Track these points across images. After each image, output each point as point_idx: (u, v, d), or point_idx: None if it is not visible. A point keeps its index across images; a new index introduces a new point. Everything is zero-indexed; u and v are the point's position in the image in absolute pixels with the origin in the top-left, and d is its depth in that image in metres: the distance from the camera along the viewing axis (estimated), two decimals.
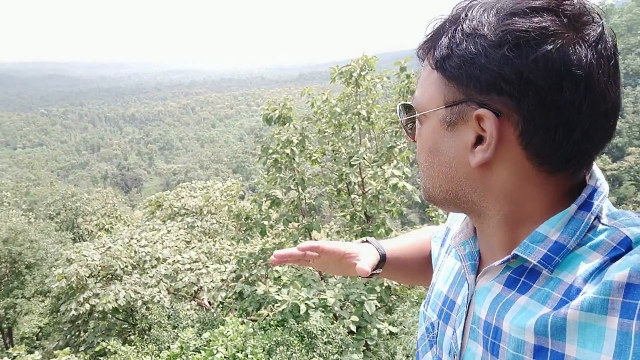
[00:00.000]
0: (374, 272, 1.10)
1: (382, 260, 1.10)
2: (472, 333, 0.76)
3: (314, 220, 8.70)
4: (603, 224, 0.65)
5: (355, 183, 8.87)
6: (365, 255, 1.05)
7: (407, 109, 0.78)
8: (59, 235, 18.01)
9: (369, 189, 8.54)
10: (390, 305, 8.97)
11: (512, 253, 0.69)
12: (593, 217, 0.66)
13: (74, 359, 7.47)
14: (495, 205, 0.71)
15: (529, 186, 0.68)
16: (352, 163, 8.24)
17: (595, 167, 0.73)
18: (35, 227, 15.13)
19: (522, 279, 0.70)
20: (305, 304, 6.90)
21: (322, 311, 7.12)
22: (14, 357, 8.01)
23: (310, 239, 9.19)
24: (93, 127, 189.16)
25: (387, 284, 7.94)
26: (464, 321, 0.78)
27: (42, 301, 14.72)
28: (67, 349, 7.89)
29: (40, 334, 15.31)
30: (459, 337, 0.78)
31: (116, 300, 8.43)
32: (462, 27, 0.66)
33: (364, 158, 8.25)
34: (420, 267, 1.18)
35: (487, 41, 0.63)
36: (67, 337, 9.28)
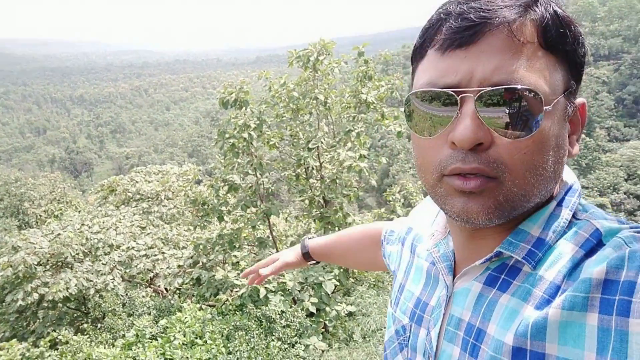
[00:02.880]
0: (310, 262, 1.40)
1: (307, 254, 1.38)
2: (447, 334, 0.74)
3: (273, 205, 8.68)
4: (578, 219, 0.66)
5: (313, 167, 8.90)
6: (283, 257, 1.39)
7: (526, 96, 0.59)
8: (2, 222, 17.11)
9: (327, 173, 8.59)
10: (349, 287, 9.15)
11: (495, 250, 0.67)
12: (571, 214, 0.66)
13: (22, 349, 7.20)
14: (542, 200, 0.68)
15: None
16: (310, 147, 8.25)
17: (567, 167, 0.73)
18: None
19: (503, 277, 0.68)
20: (265, 287, 6.92)
21: (282, 295, 7.17)
22: None
23: (269, 224, 9.19)
24: (38, 109, 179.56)
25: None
26: (439, 323, 0.75)
27: None
28: (14, 340, 7.59)
29: None
30: (434, 338, 0.76)
31: (67, 288, 8.15)
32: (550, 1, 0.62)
33: (322, 142, 8.28)
34: (360, 255, 1.33)
35: (571, 18, 0.62)
36: (14, 328, 8.92)
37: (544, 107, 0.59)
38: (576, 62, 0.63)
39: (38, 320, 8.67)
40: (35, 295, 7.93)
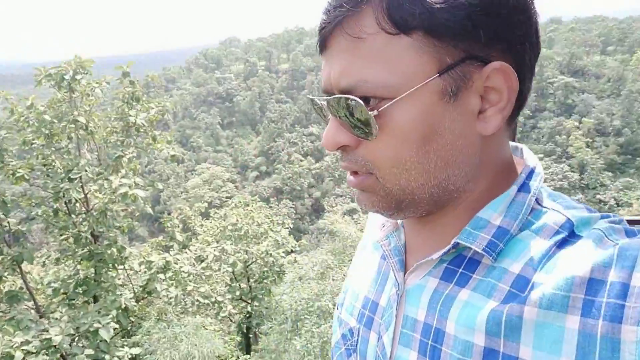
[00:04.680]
0: None
1: None
2: (402, 338, 0.66)
3: (25, 249, 7.31)
4: (543, 207, 0.61)
5: (77, 200, 7.85)
6: None
7: (357, 102, 0.56)
8: None
9: (95, 204, 7.69)
10: (129, 327, 8.32)
11: (452, 242, 0.61)
12: (534, 200, 0.61)
13: None
14: (477, 185, 0.63)
15: (500, 154, 0.64)
16: (71, 177, 7.26)
17: (525, 147, 0.69)
18: None
19: (460, 270, 0.62)
20: (22, 350, 5.73)
21: (46, 354, 6.06)
22: None
23: (22, 272, 7.70)
24: None
25: (124, 305, 7.32)
26: (393, 325, 0.67)
27: None
28: None
29: None
30: (387, 344, 0.67)
31: None
32: None
33: (86, 170, 7.38)
34: None
35: None
36: None
37: (388, 102, 0.55)
38: (457, 32, 0.53)
39: None
40: None
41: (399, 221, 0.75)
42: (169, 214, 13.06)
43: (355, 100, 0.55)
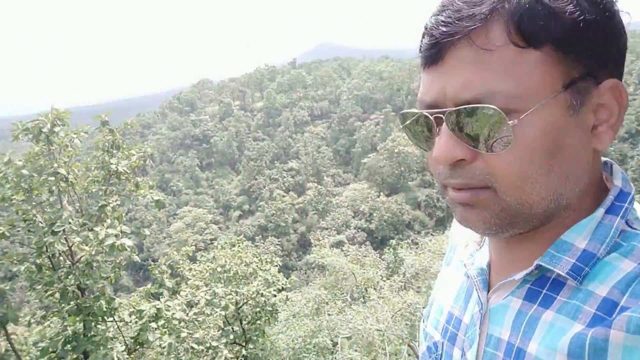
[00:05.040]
0: None
1: None
2: (486, 356, 0.67)
3: (9, 309, 7.03)
4: (634, 229, 0.60)
5: (61, 253, 7.64)
6: None
7: (491, 113, 0.55)
8: None
9: (81, 257, 7.50)
10: None
11: (535, 264, 0.62)
12: (623, 222, 0.60)
13: None
14: (580, 202, 0.62)
15: (597, 172, 0.65)
16: (54, 230, 7.08)
17: (615, 164, 0.69)
18: None
19: (544, 291, 0.62)
20: None
21: None
22: None
23: (7, 334, 7.38)
24: None
25: (117, 359, 7.05)
26: (476, 343, 0.69)
27: None
28: None
29: None
30: None
31: None
32: None
33: (69, 223, 7.22)
34: None
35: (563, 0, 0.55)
36: None
37: (521, 115, 0.55)
38: (582, 48, 0.56)
39: None
40: None
41: (484, 240, 0.77)
42: (154, 260, 12.81)
43: (494, 109, 0.55)
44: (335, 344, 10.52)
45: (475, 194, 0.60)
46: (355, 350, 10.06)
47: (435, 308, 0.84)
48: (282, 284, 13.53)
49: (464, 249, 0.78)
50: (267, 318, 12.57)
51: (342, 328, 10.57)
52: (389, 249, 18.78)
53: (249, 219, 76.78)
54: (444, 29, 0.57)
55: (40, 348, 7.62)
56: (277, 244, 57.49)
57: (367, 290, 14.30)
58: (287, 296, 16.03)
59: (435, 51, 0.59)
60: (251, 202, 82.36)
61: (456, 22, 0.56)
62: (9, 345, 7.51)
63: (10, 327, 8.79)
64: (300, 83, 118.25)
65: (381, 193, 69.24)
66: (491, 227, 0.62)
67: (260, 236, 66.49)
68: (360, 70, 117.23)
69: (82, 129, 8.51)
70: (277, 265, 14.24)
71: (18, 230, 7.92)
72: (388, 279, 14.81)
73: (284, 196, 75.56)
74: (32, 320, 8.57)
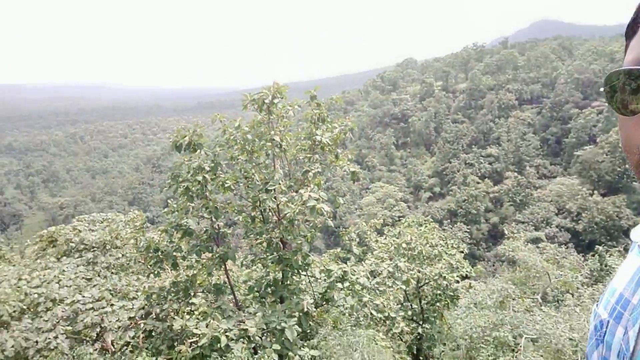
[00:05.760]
0: None
1: None
2: None
3: (230, 249, 8.46)
4: None
5: (270, 209, 8.83)
6: None
7: None
8: None
9: (285, 214, 8.56)
10: (308, 331, 8.95)
11: None
12: None
13: None
14: None
15: None
16: (268, 189, 8.21)
17: None
18: None
19: None
20: (225, 335, 6.63)
21: (243, 342, 6.89)
22: None
23: (225, 269, 8.92)
24: None
25: (306, 309, 7.93)
26: (639, 323, 0.69)
27: None
28: None
29: None
30: (631, 338, 0.69)
31: (2, 351, 7.41)
32: None
33: (279, 184, 8.27)
34: None
35: None
36: None
37: None
38: None
39: None
40: None
41: None
42: (345, 228, 13.72)
43: None
44: (517, 343, 9.86)
45: None
46: (541, 356, 9.27)
47: (609, 290, 0.84)
48: (467, 271, 13.14)
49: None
50: (446, 302, 12.45)
51: (527, 327, 9.83)
52: (594, 255, 16.45)
53: (438, 202, 75.61)
54: None
55: (249, 286, 9.05)
56: (466, 231, 55.37)
57: (562, 294, 12.93)
58: (470, 284, 15.53)
59: None
60: (443, 185, 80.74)
61: None
62: (226, 278, 9.05)
63: (229, 264, 10.59)
64: (511, 64, 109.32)
65: (595, 191, 60.52)
66: None
67: (449, 220, 64.95)
68: (585, 51, 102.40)
69: (296, 102, 9.55)
70: (462, 252, 13.83)
71: (239, 186, 9.42)
72: (590, 286, 13.09)
73: (478, 182, 72.04)
74: (244, 263, 10.19)
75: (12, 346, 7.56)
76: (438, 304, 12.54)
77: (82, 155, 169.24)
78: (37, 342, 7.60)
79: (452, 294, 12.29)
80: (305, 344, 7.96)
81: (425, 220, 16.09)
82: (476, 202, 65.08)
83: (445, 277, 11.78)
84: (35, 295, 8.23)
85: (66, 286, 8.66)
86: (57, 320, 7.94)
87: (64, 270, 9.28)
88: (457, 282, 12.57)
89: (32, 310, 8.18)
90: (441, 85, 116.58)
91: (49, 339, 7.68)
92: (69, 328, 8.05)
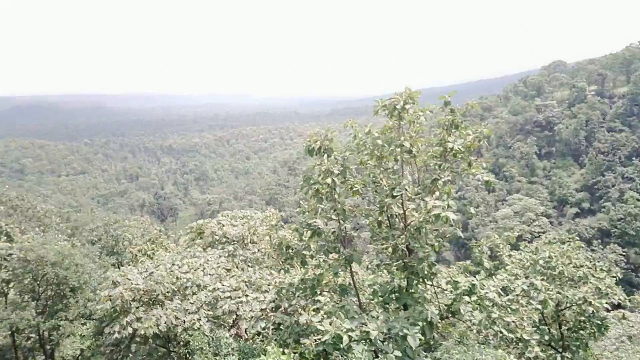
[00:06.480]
0: None
1: None
2: None
3: (355, 252, 8.63)
4: None
5: (396, 215, 8.80)
6: None
7: None
8: (102, 260, 18.50)
9: (411, 221, 8.46)
10: (432, 342, 8.71)
11: None
12: None
13: None
14: None
15: None
16: (394, 194, 8.20)
17: None
18: (80, 251, 15.57)
19: None
20: (348, 335, 6.77)
21: (365, 344, 6.97)
22: None
23: (351, 271, 9.11)
24: (133, 157, 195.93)
25: (430, 319, 7.73)
26: None
27: (84, 324, 14.96)
28: None
29: (80, 357, 15.50)
30: None
31: (157, 325, 8.51)
32: None
33: (406, 189, 8.21)
34: None
35: None
36: None
37: None
38: None
39: (130, 354, 9.07)
40: (130, 330, 8.35)
41: None
42: (477, 240, 13.06)
43: None
44: None
45: None
46: None
47: None
48: (619, 299, 11.59)
49: None
50: (593, 331, 11.14)
51: None
52: None
53: (587, 219, 67.82)
54: None
55: (373, 290, 9.12)
56: (621, 254, 48.83)
57: None
58: (624, 314, 13.67)
59: None
60: (593, 201, 72.27)
61: None
62: (351, 280, 9.24)
63: (354, 267, 10.79)
64: None
65: None
66: None
67: (600, 241, 57.86)
68: None
69: (428, 108, 9.39)
70: (615, 277, 12.24)
71: (367, 190, 9.56)
72: None
73: (638, 200, 63.00)
74: (369, 267, 10.31)
75: (165, 322, 8.64)
76: (582, 331, 11.26)
77: (227, 157, 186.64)
78: (184, 321, 8.58)
79: (599, 322, 10.95)
80: (427, 355, 7.76)
81: (569, 238, 14.57)
82: (635, 221, 56.94)
83: (591, 302, 10.54)
84: (184, 280, 9.29)
85: (209, 274, 9.63)
86: (200, 304, 8.88)
87: (208, 260, 10.34)
88: (608, 310, 11.17)
89: (181, 292, 9.26)
90: (595, 89, 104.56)
91: (194, 320, 8.61)
92: (210, 312, 8.92)
